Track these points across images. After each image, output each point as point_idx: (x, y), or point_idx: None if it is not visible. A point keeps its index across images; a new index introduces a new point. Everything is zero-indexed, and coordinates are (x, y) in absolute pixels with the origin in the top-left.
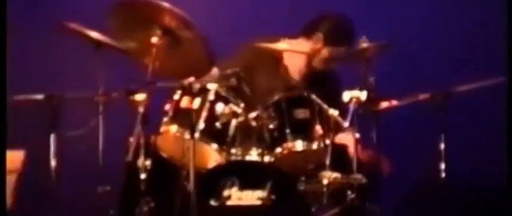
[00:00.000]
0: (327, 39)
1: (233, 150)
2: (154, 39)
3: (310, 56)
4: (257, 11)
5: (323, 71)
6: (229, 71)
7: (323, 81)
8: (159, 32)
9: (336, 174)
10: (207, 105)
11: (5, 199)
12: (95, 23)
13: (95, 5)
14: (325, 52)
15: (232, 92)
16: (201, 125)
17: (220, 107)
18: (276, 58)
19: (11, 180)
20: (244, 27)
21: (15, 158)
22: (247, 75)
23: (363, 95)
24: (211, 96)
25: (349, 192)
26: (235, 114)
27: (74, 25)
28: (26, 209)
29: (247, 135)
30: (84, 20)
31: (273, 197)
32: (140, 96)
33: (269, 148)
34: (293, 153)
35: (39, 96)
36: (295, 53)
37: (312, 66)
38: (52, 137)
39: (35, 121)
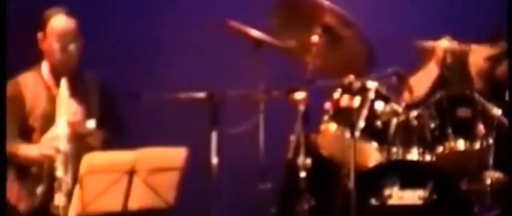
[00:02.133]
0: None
1: (394, 149)
2: (314, 38)
3: (492, 63)
4: (418, 8)
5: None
6: (389, 70)
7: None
8: (319, 30)
9: (499, 174)
10: (368, 103)
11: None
12: (256, 22)
13: (256, 4)
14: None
15: (392, 91)
16: (361, 123)
17: (380, 106)
18: (463, 62)
19: (173, 177)
20: (404, 25)
21: (177, 155)
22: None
23: None
24: (371, 95)
25: None
26: (395, 113)
27: (235, 24)
28: (188, 206)
29: (408, 134)
30: (245, 19)
31: (434, 196)
32: (300, 95)
33: (430, 147)
34: (455, 153)
35: (201, 95)
36: (478, 59)
37: (495, 74)
38: (214, 135)
39: (196, 119)
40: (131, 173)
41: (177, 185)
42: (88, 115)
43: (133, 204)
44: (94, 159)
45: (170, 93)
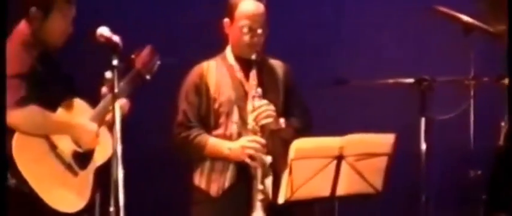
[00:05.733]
0: None
1: None
2: None
3: None
4: None
5: None
6: None
7: None
8: None
9: None
10: None
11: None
12: (462, 7)
13: None
14: None
15: None
16: None
17: None
18: None
19: (381, 163)
20: None
21: (385, 141)
22: None
23: None
24: None
25: None
26: None
27: (445, 9)
28: (396, 192)
29: None
30: (452, 4)
31: None
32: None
33: None
34: None
35: (410, 80)
36: None
37: None
38: (422, 120)
39: (405, 105)
40: (339, 158)
41: (385, 171)
42: (276, 102)
43: (341, 190)
44: (303, 144)
45: (378, 79)
